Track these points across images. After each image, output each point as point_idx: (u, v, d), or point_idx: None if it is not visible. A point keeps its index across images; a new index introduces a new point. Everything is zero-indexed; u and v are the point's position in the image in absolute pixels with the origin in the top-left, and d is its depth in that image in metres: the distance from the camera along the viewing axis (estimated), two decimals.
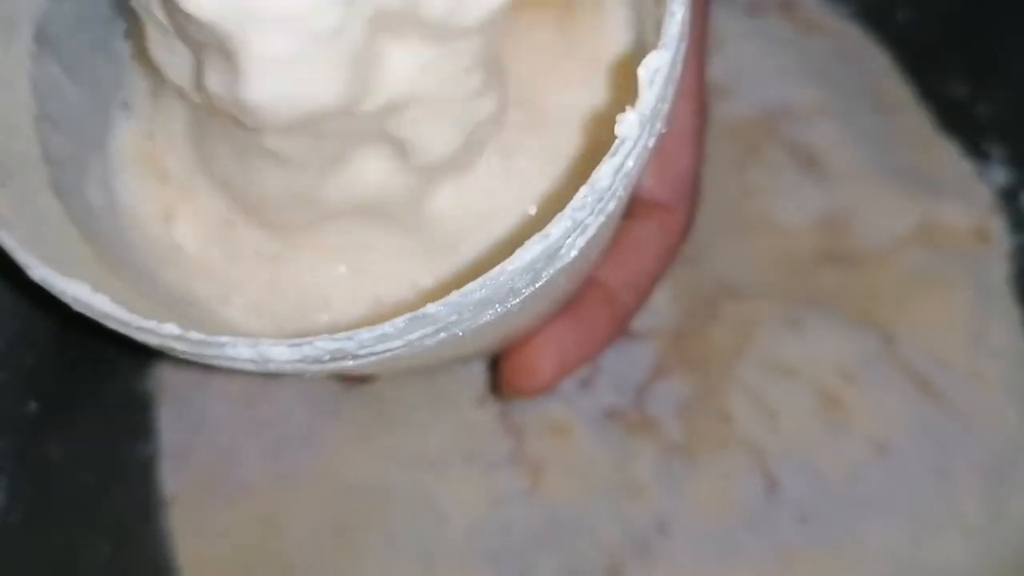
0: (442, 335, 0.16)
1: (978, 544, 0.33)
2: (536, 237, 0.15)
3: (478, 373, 0.33)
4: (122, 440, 0.31)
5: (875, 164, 0.37)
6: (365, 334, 0.15)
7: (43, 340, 0.28)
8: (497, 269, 0.15)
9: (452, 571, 0.31)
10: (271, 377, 0.19)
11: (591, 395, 0.33)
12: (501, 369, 0.25)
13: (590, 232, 0.16)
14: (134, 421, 0.31)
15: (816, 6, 0.40)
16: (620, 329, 0.26)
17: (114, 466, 0.30)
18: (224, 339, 0.15)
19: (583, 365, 0.25)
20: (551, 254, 0.16)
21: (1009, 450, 0.34)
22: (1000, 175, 0.36)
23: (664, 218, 0.26)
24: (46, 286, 0.17)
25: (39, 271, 0.17)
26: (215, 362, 0.16)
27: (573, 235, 0.16)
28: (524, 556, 0.31)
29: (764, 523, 0.32)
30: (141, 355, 0.32)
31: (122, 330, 0.16)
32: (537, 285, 0.16)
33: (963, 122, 0.37)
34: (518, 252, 0.15)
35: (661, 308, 0.35)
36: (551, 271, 0.16)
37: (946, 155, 0.38)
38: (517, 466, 0.32)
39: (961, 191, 0.37)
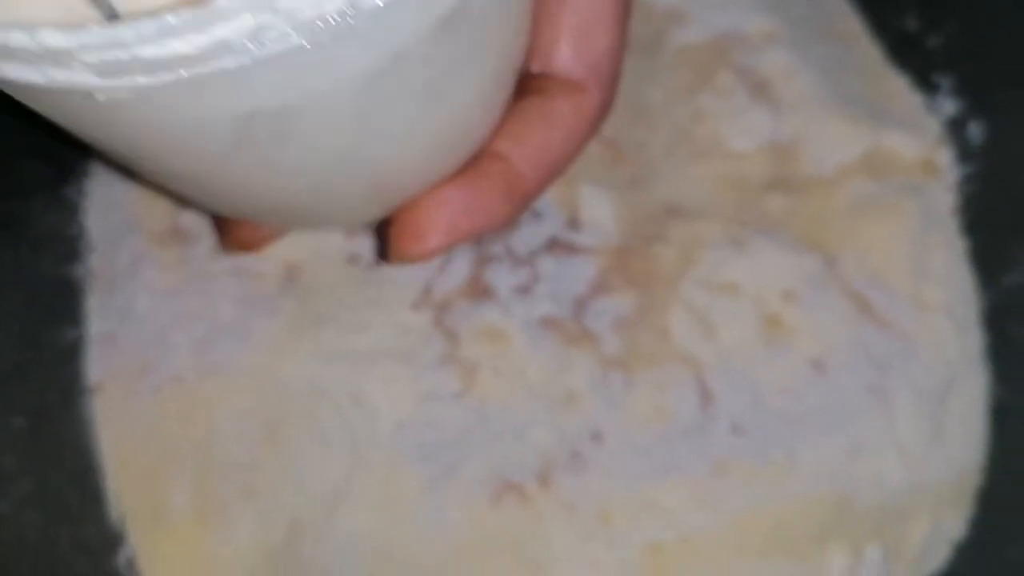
0: (238, 58, 0.14)
1: (913, 464, 0.33)
2: None
3: (416, 279, 0.33)
4: (47, 323, 0.30)
5: (825, 93, 0.37)
6: (146, 22, 0.13)
7: None
8: None
9: (380, 466, 0.30)
10: (70, 115, 0.16)
11: (528, 303, 0.32)
12: (388, 232, 0.24)
13: None
14: (61, 306, 0.31)
15: None
16: (517, 206, 0.24)
17: (38, 348, 0.29)
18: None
19: (473, 236, 0.24)
20: None
21: (947, 374, 0.34)
22: (949, 106, 0.36)
23: (577, 98, 0.24)
24: None
25: None
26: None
27: None
28: (453, 454, 0.30)
29: (698, 435, 0.32)
30: (71, 243, 0.32)
31: None
32: (348, 24, 0.14)
33: (914, 55, 0.37)
34: None
35: (606, 226, 0.35)
36: (362, 8, 0.14)
37: (896, 87, 0.38)
38: (450, 368, 0.31)
39: (910, 122, 0.37)
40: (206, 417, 0.31)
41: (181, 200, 0.32)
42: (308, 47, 0.14)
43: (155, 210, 0.32)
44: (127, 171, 0.33)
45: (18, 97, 0.16)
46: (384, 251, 0.31)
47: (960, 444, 0.34)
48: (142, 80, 0.14)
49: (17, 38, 0.13)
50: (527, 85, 0.25)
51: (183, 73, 0.14)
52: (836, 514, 0.32)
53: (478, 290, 0.32)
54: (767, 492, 0.31)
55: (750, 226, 0.35)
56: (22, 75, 0.14)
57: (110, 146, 0.19)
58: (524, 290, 0.33)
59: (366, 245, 0.33)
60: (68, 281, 0.31)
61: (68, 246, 0.31)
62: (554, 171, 0.25)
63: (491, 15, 0.19)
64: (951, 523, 0.34)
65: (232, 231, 0.28)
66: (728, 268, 0.34)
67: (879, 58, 0.38)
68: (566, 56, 0.24)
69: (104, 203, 0.33)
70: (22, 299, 0.29)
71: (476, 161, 0.24)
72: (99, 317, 0.31)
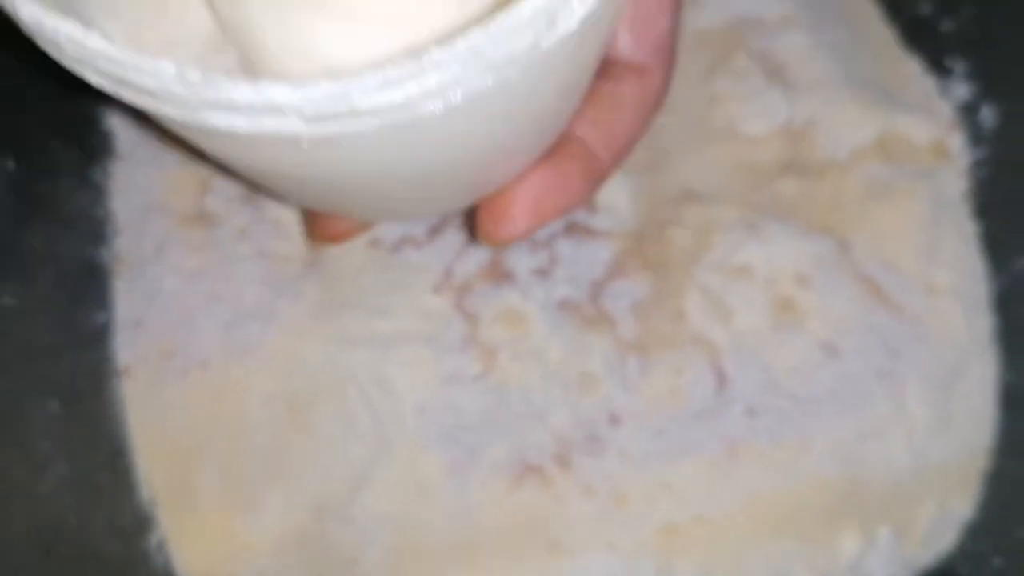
0: (438, 104, 0.15)
1: (922, 447, 0.33)
2: None
3: (437, 263, 0.33)
4: (77, 306, 0.30)
5: (840, 76, 0.37)
6: (369, 78, 0.14)
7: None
8: (503, 14, 0.14)
9: (403, 449, 0.31)
10: (252, 151, 0.17)
11: (547, 286, 0.33)
12: (478, 217, 0.25)
13: (589, 5, 0.15)
14: (90, 288, 0.31)
15: None
16: (594, 185, 0.26)
17: (68, 331, 0.30)
18: (224, 78, 0.14)
19: (556, 216, 0.25)
20: (552, 13, 0.15)
21: (956, 359, 0.34)
22: (962, 90, 0.36)
23: (641, 79, 0.26)
24: (34, 26, 0.15)
25: (28, 8, 0.15)
26: (201, 116, 0.15)
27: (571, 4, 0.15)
28: (474, 437, 0.31)
29: (713, 417, 0.32)
30: (98, 226, 0.32)
31: (116, 73, 0.15)
32: (534, 57, 0.15)
33: (928, 39, 0.37)
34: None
35: (623, 210, 0.35)
36: (551, 39, 0.15)
37: (910, 71, 0.38)
38: (470, 350, 0.32)
39: (923, 106, 0.37)
40: (233, 400, 0.31)
41: (266, 193, 0.32)
42: (494, 87, 0.15)
43: (181, 193, 0.33)
44: (153, 156, 0.33)
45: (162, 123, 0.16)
46: (473, 233, 0.31)
47: (968, 427, 0.34)
48: (349, 127, 0.15)
49: (244, 93, 0.14)
50: (597, 71, 0.26)
51: (387, 120, 0.15)
52: (847, 496, 0.32)
53: (497, 273, 0.33)
54: (780, 474, 0.32)
55: (764, 210, 0.35)
56: (231, 124, 0.15)
57: (252, 174, 0.20)
58: (543, 273, 0.33)
59: (387, 229, 0.33)
60: (96, 264, 0.31)
61: (95, 228, 0.31)
62: (626, 149, 0.27)
63: (602, 27, 0.20)
64: (959, 505, 0.35)
65: (320, 224, 0.28)
66: (742, 252, 0.34)
67: (893, 41, 0.38)
68: (630, 42, 0.25)
69: (130, 185, 0.33)
70: (52, 282, 0.29)
71: (557, 145, 0.25)
72: (126, 300, 0.32)
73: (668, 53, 0.26)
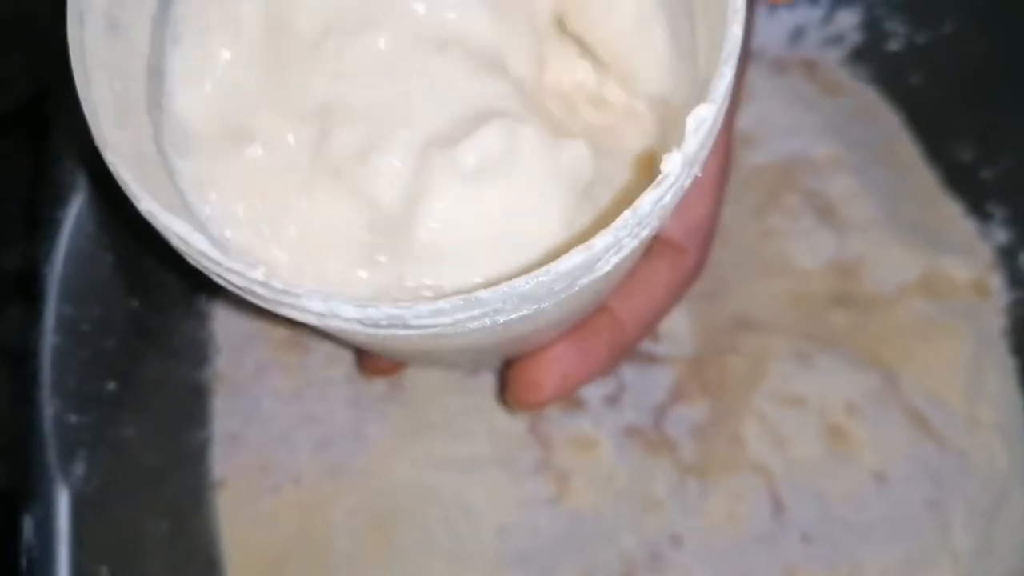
0: (485, 321, 0.17)
1: (966, 573, 0.35)
2: (580, 247, 0.17)
3: None
4: (183, 426, 0.32)
5: (885, 216, 0.39)
6: (423, 307, 0.16)
7: (121, 326, 0.30)
8: (544, 268, 0.17)
9: (482, 570, 0.32)
10: (314, 332, 0.20)
11: (615, 413, 0.35)
12: (508, 380, 0.27)
13: (624, 252, 0.18)
14: (194, 408, 0.33)
15: (836, 68, 0.42)
16: (620, 357, 0.27)
17: (175, 449, 0.31)
18: (302, 290, 0.17)
19: (582, 385, 0.27)
20: (590, 265, 0.17)
21: (998, 489, 0.36)
22: (1001, 235, 0.38)
23: (676, 258, 0.27)
24: (150, 219, 0.18)
25: (147, 204, 0.18)
26: (282, 310, 0.18)
27: (611, 251, 0.17)
28: (548, 558, 0.33)
29: (770, 542, 0.34)
30: (202, 348, 0.34)
31: (213, 269, 0.18)
32: (571, 291, 0.18)
33: (968, 183, 0.39)
34: (563, 257, 0.17)
35: (682, 337, 0.37)
36: (585, 280, 0.17)
37: (951, 213, 0.40)
38: (545, 474, 0.33)
39: (963, 247, 0.39)
40: (321, 516, 0.33)
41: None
42: (535, 313, 0.17)
43: (277, 320, 0.35)
44: None
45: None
46: (503, 396, 0.33)
47: (1010, 554, 0.36)
48: (401, 333, 0.17)
49: (314, 305, 0.16)
50: None
51: (436, 332, 0.17)
52: None
53: (570, 400, 0.35)
54: None
55: (815, 340, 0.37)
56: (304, 318, 0.17)
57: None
58: (612, 400, 0.35)
59: None
60: (198, 384, 0.33)
61: (199, 352, 0.33)
62: (655, 323, 0.28)
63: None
64: None
65: (372, 364, 0.30)
66: (795, 381, 0.36)
67: (935, 185, 0.40)
68: (670, 222, 0.26)
69: (231, 311, 0.35)
70: (162, 406, 0.31)
71: (588, 318, 0.27)
72: (225, 417, 0.34)
73: (705, 236, 0.27)
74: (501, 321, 0.17)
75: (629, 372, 0.36)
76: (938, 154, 0.40)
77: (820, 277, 0.38)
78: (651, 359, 0.36)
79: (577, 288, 0.18)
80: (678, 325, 0.37)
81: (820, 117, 0.41)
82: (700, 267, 0.29)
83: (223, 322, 0.35)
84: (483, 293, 0.16)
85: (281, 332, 0.34)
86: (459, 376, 0.35)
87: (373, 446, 0.33)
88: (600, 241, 0.17)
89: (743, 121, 0.41)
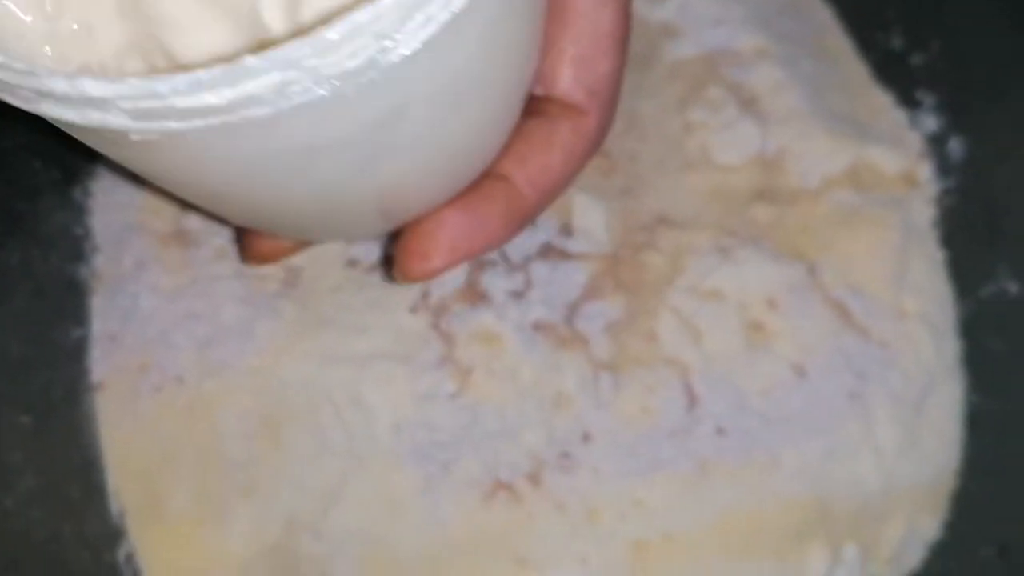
0: (266, 108, 0.15)
1: (889, 468, 0.34)
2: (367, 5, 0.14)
3: (414, 284, 0.33)
4: (55, 321, 0.30)
5: (811, 107, 0.37)
6: (181, 78, 0.14)
7: None
8: (326, 27, 0.14)
9: (376, 466, 0.31)
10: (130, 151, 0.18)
11: (522, 307, 0.33)
12: (395, 253, 0.25)
13: (431, 29, 0.15)
14: (68, 304, 0.31)
15: None
16: (517, 226, 0.25)
17: (46, 344, 0.30)
18: (45, 70, 0.15)
19: (474, 256, 0.25)
20: (380, 32, 0.15)
21: (924, 381, 0.34)
22: (930, 122, 0.37)
23: (576, 120, 0.25)
24: None
25: None
26: (34, 106, 0.15)
27: (408, 23, 0.15)
28: (447, 454, 0.31)
29: (684, 435, 0.32)
30: (78, 243, 0.32)
31: None
32: (368, 78, 0.15)
33: (898, 72, 0.38)
34: (341, 17, 0.14)
35: (598, 234, 0.35)
36: (381, 64, 0.15)
37: (881, 104, 0.38)
38: (445, 369, 0.32)
39: (893, 138, 0.37)
40: (207, 416, 0.31)
41: (198, 211, 0.32)
42: (330, 99, 0.15)
43: (160, 213, 0.33)
44: (134, 177, 0.33)
45: (56, 124, 0.17)
46: (390, 269, 0.31)
47: (935, 449, 0.35)
48: (174, 125, 0.15)
49: (59, 86, 0.14)
50: (530, 107, 0.25)
51: (213, 121, 0.15)
52: (815, 515, 0.33)
53: (474, 295, 0.33)
54: (749, 492, 0.32)
55: (736, 235, 0.36)
56: (62, 115, 0.15)
57: (140, 170, 0.20)
58: (518, 295, 0.33)
59: (365, 249, 0.33)
60: (74, 280, 0.31)
61: (74, 246, 0.32)
62: (554, 191, 0.26)
63: (498, 56, 0.20)
64: (926, 525, 0.35)
65: (252, 245, 0.28)
66: (714, 276, 0.34)
67: (865, 75, 0.39)
68: (567, 81, 0.25)
69: (110, 205, 0.33)
70: (29, 297, 0.29)
71: (479, 182, 0.25)
72: (103, 316, 0.32)
73: (608, 96, 0.25)
74: (288, 108, 0.15)
75: (539, 267, 0.34)
76: (869, 46, 0.39)
77: (743, 171, 0.37)
78: (564, 255, 0.35)
79: (379, 77, 0.15)
80: (594, 221, 0.36)
81: (746, 9, 0.39)
82: (603, 131, 0.26)
83: (101, 218, 0.33)
84: (251, 60, 0.14)
85: (164, 225, 0.32)
86: (360, 273, 0.33)
87: (261, 343, 0.32)
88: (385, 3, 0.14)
89: (666, 12, 0.39)
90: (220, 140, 0.16)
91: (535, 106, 0.25)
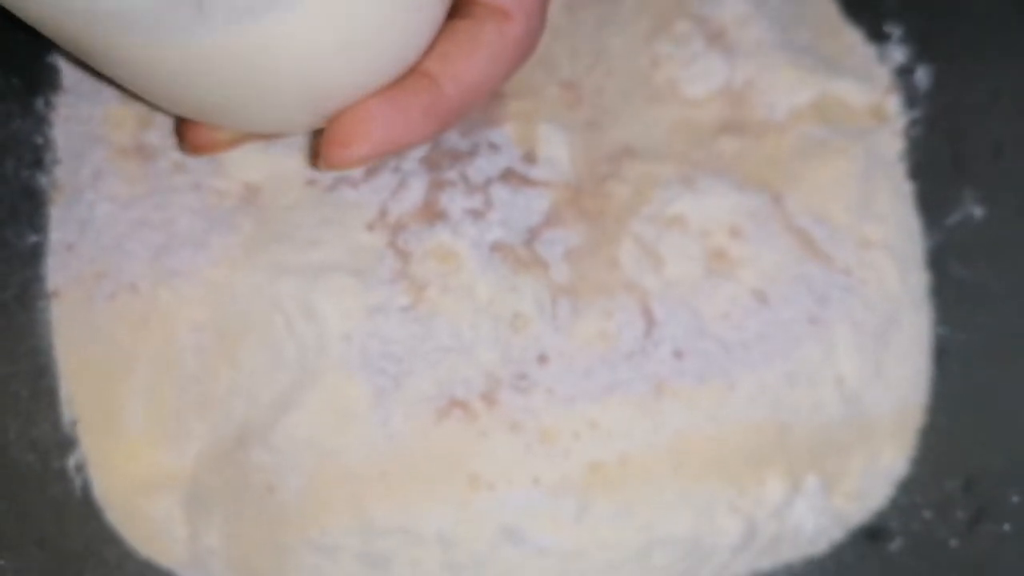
0: None
1: (851, 397, 0.33)
2: None
3: (372, 202, 0.33)
4: (8, 225, 0.30)
5: (779, 42, 0.37)
6: None
7: None
8: None
9: (327, 376, 0.30)
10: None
11: (481, 227, 0.32)
12: (319, 142, 0.25)
13: None
14: (24, 211, 0.31)
15: None
16: (439, 122, 0.26)
17: None
18: None
19: (397, 147, 0.25)
20: None
21: (888, 311, 0.34)
22: (898, 54, 0.36)
23: (502, 23, 0.26)
24: None
25: None
26: None
27: None
28: (400, 368, 0.30)
29: (640, 357, 0.32)
30: (38, 152, 0.32)
31: None
32: None
33: (868, 7, 0.37)
34: None
35: (562, 164, 0.35)
36: None
37: (850, 40, 0.38)
38: (400, 284, 0.31)
39: (861, 72, 0.37)
40: (160, 326, 0.31)
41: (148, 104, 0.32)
42: None
43: (121, 126, 0.33)
44: (95, 91, 0.33)
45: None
46: (314, 158, 0.31)
47: (901, 382, 0.34)
48: None
49: None
50: (458, 10, 0.26)
51: None
52: (774, 441, 0.32)
53: (431, 214, 0.33)
54: (706, 415, 0.31)
55: (701, 166, 0.35)
56: None
57: (77, 49, 0.21)
58: (477, 215, 0.33)
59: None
60: (31, 188, 0.31)
61: (34, 155, 0.31)
62: (477, 91, 0.26)
63: None
64: (891, 459, 0.34)
65: (189, 132, 0.28)
66: (677, 204, 0.34)
67: (834, 12, 0.38)
68: None
69: (71, 117, 0.33)
70: None
71: (403, 78, 0.25)
72: (60, 225, 0.32)
73: (533, 3, 0.26)
74: None
75: (500, 189, 0.33)
76: None
77: (709, 104, 0.36)
78: (526, 181, 0.34)
79: None
80: (558, 151, 0.35)
81: None
82: (532, 36, 0.27)
83: (63, 129, 0.32)
84: None
85: (124, 138, 0.32)
86: (318, 192, 0.33)
87: (216, 254, 0.31)
88: None
89: None
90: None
91: (463, 9, 0.26)
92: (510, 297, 0.32)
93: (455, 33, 0.25)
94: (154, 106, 0.30)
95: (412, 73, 0.25)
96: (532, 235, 0.33)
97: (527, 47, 0.27)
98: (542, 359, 0.32)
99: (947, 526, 0.32)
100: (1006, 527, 0.31)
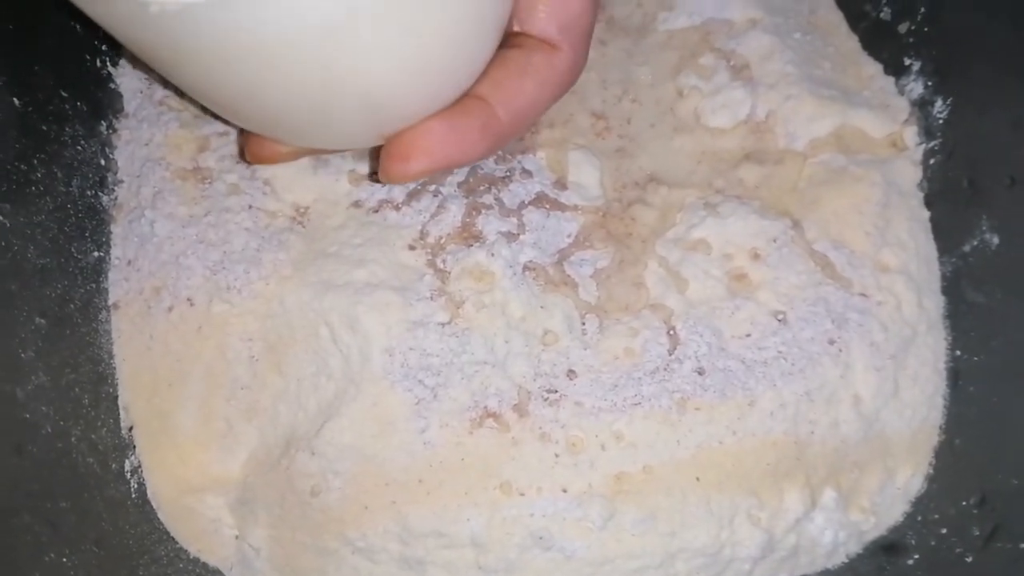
0: None
1: (868, 415, 0.34)
2: None
3: (413, 223, 0.34)
4: (73, 240, 0.32)
5: (801, 74, 0.38)
6: None
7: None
8: None
9: (369, 387, 0.31)
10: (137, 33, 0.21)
11: (514, 248, 0.34)
12: (380, 157, 0.27)
13: None
14: (88, 228, 0.32)
15: None
16: (491, 143, 0.27)
17: (63, 260, 0.31)
18: None
19: (452, 165, 0.27)
20: None
21: (905, 334, 0.35)
22: (918, 86, 0.37)
23: (549, 54, 0.27)
24: None
25: None
26: None
27: None
28: (437, 379, 0.32)
29: (664, 374, 0.33)
30: (101, 173, 0.34)
31: None
32: None
33: (887, 40, 0.38)
34: None
35: (591, 188, 0.36)
36: None
37: (869, 72, 0.39)
38: (438, 300, 0.33)
39: (880, 103, 0.38)
40: (214, 337, 0.32)
41: (205, 110, 0.34)
42: None
43: (179, 150, 0.34)
44: (156, 115, 0.35)
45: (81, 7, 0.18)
46: (376, 173, 0.32)
47: (917, 402, 0.35)
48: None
49: None
50: (509, 41, 0.28)
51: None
52: (793, 455, 0.33)
53: (469, 235, 0.34)
54: (727, 430, 0.32)
55: (724, 193, 0.36)
56: None
57: (151, 57, 0.22)
58: (511, 236, 0.34)
59: (368, 192, 0.35)
60: (95, 207, 0.33)
61: (97, 175, 0.33)
62: (526, 116, 0.28)
63: None
64: (909, 477, 0.35)
65: (251, 145, 0.30)
66: (701, 228, 0.35)
67: (855, 46, 0.39)
68: (542, 18, 0.27)
69: (132, 140, 0.34)
70: (51, 212, 0.31)
71: (459, 101, 0.27)
72: (121, 242, 0.33)
73: (579, 35, 0.28)
74: None
75: (533, 213, 0.35)
76: (859, 18, 0.39)
77: (732, 134, 0.38)
78: (558, 206, 0.35)
79: None
80: (588, 177, 0.37)
81: None
82: (576, 67, 0.29)
83: (124, 151, 0.34)
84: None
85: (183, 161, 0.34)
86: (363, 213, 0.34)
87: (267, 271, 0.33)
88: None
89: None
90: (224, 14, 0.18)
91: (513, 40, 0.27)
92: (541, 314, 0.33)
93: (506, 61, 0.27)
94: (218, 122, 0.32)
95: (467, 97, 0.27)
96: (562, 256, 0.35)
97: (572, 77, 0.28)
98: (571, 373, 0.33)
99: (963, 542, 0.32)
100: (1022, 545, 0.31)
